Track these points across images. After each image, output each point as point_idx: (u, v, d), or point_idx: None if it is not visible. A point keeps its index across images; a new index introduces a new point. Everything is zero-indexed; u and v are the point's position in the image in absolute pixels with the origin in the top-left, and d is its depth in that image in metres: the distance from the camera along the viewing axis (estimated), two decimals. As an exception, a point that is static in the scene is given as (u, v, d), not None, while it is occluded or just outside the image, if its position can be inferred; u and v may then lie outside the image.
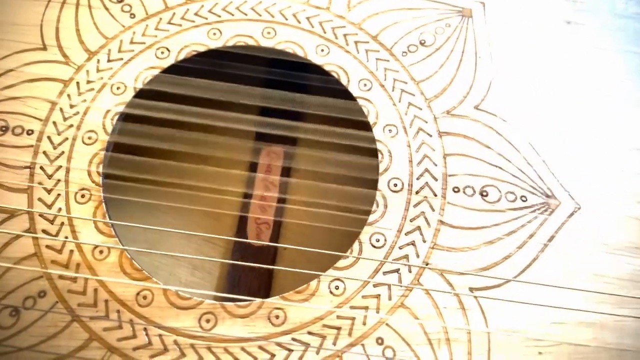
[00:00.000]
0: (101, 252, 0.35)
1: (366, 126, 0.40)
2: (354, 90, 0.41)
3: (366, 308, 0.35)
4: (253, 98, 0.44)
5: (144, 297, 0.34)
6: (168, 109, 0.40)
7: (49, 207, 0.36)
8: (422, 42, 0.43)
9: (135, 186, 0.39)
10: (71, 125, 0.38)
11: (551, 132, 0.40)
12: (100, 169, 0.37)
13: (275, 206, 0.47)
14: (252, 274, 0.43)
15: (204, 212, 0.44)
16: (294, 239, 0.45)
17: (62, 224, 0.36)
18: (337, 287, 0.35)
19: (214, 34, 0.42)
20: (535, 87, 0.42)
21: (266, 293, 0.42)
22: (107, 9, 0.42)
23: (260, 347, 0.33)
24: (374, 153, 0.40)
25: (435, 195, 0.38)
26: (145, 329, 0.33)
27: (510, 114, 0.41)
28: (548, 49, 0.44)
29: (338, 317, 0.34)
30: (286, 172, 0.47)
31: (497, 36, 0.44)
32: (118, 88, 0.40)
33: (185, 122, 0.40)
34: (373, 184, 0.39)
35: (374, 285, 0.35)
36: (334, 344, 0.34)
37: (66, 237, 0.35)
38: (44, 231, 0.35)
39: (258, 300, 0.34)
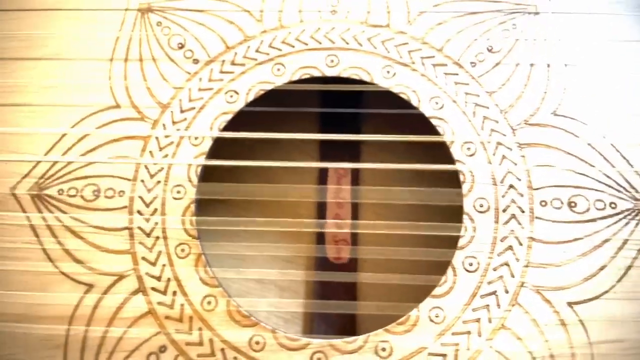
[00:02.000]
0: (209, 303, 0.38)
1: (442, 147, 0.40)
2: (425, 110, 0.40)
3: (468, 333, 0.36)
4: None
5: (257, 343, 0.37)
6: (241, 151, 0.41)
7: (154, 265, 0.38)
8: (490, 48, 0.42)
9: (224, 229, 0.41)
10: (159, 182, 0.40)
11: (632, 131, 0.39)
12: (194, 221, 0.39)
13: (350, 223, 0.48)
14: (338, 290, 0.45)
15: (283, 238, 0.46)
16: (371, 254, 0.46)
17: (169, 280, 0.38)
18: (437, 316, 0.36)
19: (278, 69, 0.42)
20: (613, 84, 0.40)
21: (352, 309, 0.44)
22: (170, 58, 0.43)
23: (372, 380, 0.35)
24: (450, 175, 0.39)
25: (523, 212, 0.38)
26: (263, 373, 0.36)
27: (589, 116, 0.40)
28: (623, 42, 0.42)
29: (442, 344, 0.36)
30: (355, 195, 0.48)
31: (567, 31, 0.42)
32: (196, 139, 0.41)
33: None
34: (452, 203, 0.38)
35: (473, 310, 0.36)
36: (442, 370, 0.35)
37: (174, 293, 0.38)
38: (153, 289, 0.38)
39: (363, 335, 0.36)
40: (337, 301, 0.44)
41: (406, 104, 0.41)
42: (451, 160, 0.39)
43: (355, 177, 0.49)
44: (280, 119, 0.44)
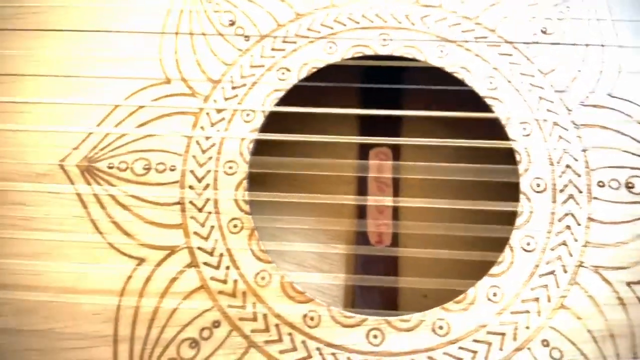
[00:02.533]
0: (263, 278, 0.37)
1: (489, 126, 0.40)
2: (479, 90, 0.40)
3: (527, 312, 0.36)
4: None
5: (311, 319, 0.36)
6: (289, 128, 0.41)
7: (206, 239, 0.38)
8: (544, 30, 0.42)
9: (272, 201, 0.40)
10: (210, 157, 0.40)
11: (691, 112, 0.39)
12: (246, 197, 0.39)
13: (392, 207, 0.48)
14: (379, 267, 0.44)
15: (323, 218, 0.45)
16: (417, 229, 0.45)
17: (221, 255, 0.38)
18: (495, 294, 0.36)
19: (330, 47, 0.42)
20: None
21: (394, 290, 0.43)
22: (221, 34, 0.42)
23: (430, 358, 0.35)
24: (506, 152, 0.39)
25: (581, 192, 0.37)
26: (318, 349, 0.35)
27: (646, 97, 0.40)
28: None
29: (501, 323, 0.35)
30: (396, 173, 0.48)
31: (621, 12, 0.42)
32: (248, 115, 0.41)
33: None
34: (502, 185, 0.38)
35: (532, 289, 0.36)
36: (501, 349, 0.35)
37: (227, 268, 0.37)
38: (205, 264, 0.37)
39: (419, 313, 0.36)
40: (381, 277, 0.44)
41: (451, 84, 0.41)
42: (503, 140, 0.39)
43: (397, 156, 0.49)
44: (323, 97, 0.44)
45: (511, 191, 0.39)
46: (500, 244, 0.37)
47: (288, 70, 0.42)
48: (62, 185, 0.39)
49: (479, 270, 0.37)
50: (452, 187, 0.45)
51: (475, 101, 0.41)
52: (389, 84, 0.45)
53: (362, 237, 0.47)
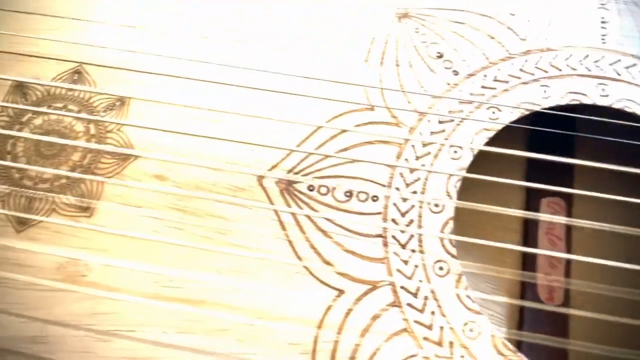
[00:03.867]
0: (471, 330, 0.35)
1: None
2: None
3: None
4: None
5: (524, 381, 0.33)
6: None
7: (410, 279, 0.36)
8: None
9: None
10: (415, 192, 0.38)
11: None
12: (453, 238, 0.37)
13: (565, 262, 0.45)
14: (548, 325, 0.41)
15: (487, 265, 0.43)
16: (587, 298, 0.43)
17: (426, 298, 0.35)
18: None
19: (544, 91, 0.40)
20: None
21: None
22: (428, 66, 0.41)
23: None
24: None
25: None
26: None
27: None
28: None
29: None
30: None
31: None
32: (455, 152, 0.39)
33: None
34: None
35: None
36: None
37: (433, 313, 0.35)
38: (409, 305, 0.35)
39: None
40: (553, 337, 0.41)
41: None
42: None
43: (569, 210, 0.46)
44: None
45: None
46: None
47: (498, 109, 0.40)
48: (260, 203, 0.38)
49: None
50: (632, 245, 0.42)
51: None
52: (562, 129, 0.43)
53: (530, 291, 0.45)
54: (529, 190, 0.45)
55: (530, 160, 0.45)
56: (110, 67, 0.42)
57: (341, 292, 0.35)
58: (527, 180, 0.47)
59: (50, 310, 0.35)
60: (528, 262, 0.45)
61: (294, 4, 0.45)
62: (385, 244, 0.36)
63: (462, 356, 0.34)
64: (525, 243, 0.45)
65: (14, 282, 0.36)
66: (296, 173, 0.38)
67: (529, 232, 0.45)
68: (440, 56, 0.42)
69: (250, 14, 0.44)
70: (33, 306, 0.36)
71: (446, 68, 0.41)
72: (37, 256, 0.37)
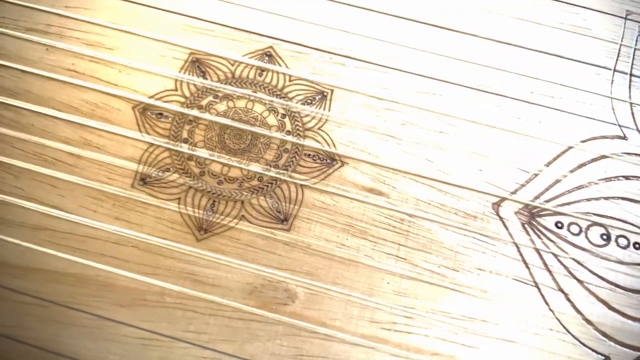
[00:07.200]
0: None
1: None
2: None
3: None
4: None
5: None
6: None
7: None
8: None
9: None
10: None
11: None
12: None
13: None
14: None
15: None
16: None
17: None
18: None
19: None
20: None
21: None
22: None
23: None
24: None
25: None
26: None
27: None
28: None
29: None
30: None
31: None
32: None
33: None
34: None
35: None
36: None
37: None
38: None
39: None
40: None
41: None
42: None
43: None
44: None
45: None
46: None
47: None
48: (496, 235, 0.32)
49: None
50: None
51: None
52: None
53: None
54: None
55: None
56: (322, 51, 0.33)
57: (607, 358, 0.29)
58: None
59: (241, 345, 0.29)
60: None
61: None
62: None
63: None
64: None
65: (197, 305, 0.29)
66: (540, 203, 0.31)
67: None
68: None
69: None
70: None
71: None
72: (222, 274, 0.30)
